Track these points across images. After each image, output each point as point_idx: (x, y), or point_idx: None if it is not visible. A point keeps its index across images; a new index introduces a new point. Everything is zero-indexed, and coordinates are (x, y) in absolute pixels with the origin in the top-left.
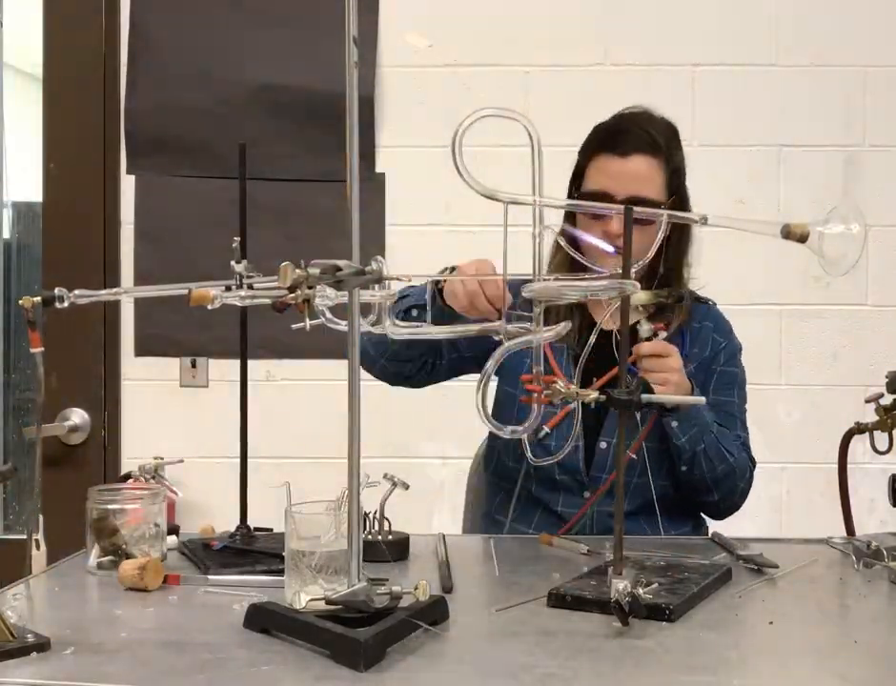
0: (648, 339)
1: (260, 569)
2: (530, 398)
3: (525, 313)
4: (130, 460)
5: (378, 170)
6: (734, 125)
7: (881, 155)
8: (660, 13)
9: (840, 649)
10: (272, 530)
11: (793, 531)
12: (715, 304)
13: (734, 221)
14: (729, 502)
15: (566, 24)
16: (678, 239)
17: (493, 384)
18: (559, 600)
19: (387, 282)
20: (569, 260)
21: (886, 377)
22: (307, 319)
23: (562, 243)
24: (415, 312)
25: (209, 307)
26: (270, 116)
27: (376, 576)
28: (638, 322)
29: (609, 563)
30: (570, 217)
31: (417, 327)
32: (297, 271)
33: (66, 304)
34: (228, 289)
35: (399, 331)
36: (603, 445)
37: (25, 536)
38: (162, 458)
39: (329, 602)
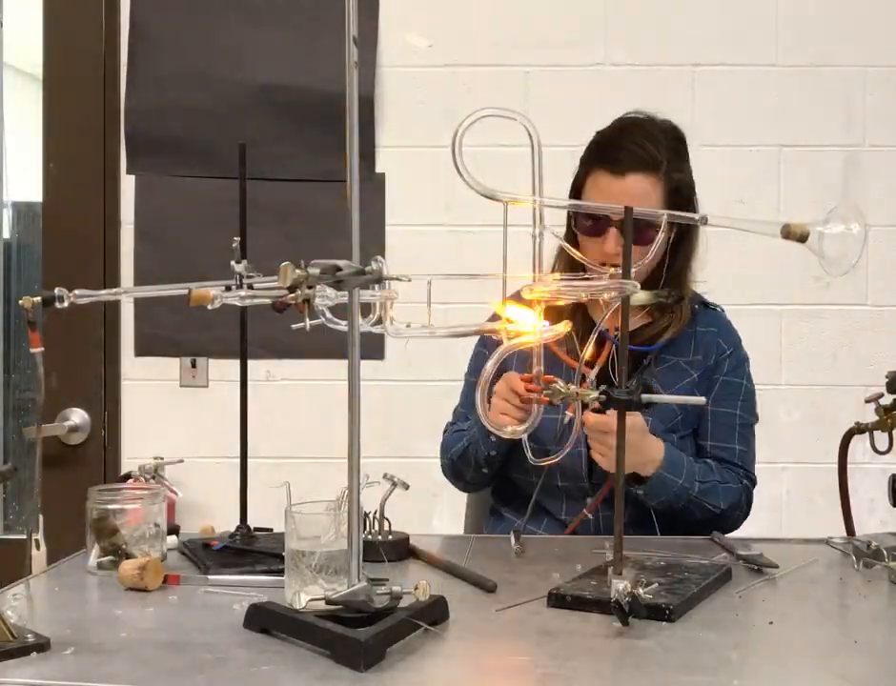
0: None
1: (260, 569)
2: (530, 399)
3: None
4: (130, 460)
5: (378, 170)
6: (734, 125)
7: (881, 155)
8: (660, 13)
9: (840, 649)
10: (272, 530)
11: (793, 531)
12: (723, 310)
13: (734, 221)
14: (725, 527)
15: (566, 24)
16: (682, 245)
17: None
18: (559, 600)
19: (387, 282)
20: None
21: (886, 377)
22: (307, 319)
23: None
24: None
25: (209, 307)
26: (270, 116)
27: (376, 576)
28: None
29: (609, 563)
30: (570, 238)
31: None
32: (297, 271)
33: (66, 304)
34: (228, 289)
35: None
36: None
37: (25, 536)
38: (162, 458)
39: (329, 602)
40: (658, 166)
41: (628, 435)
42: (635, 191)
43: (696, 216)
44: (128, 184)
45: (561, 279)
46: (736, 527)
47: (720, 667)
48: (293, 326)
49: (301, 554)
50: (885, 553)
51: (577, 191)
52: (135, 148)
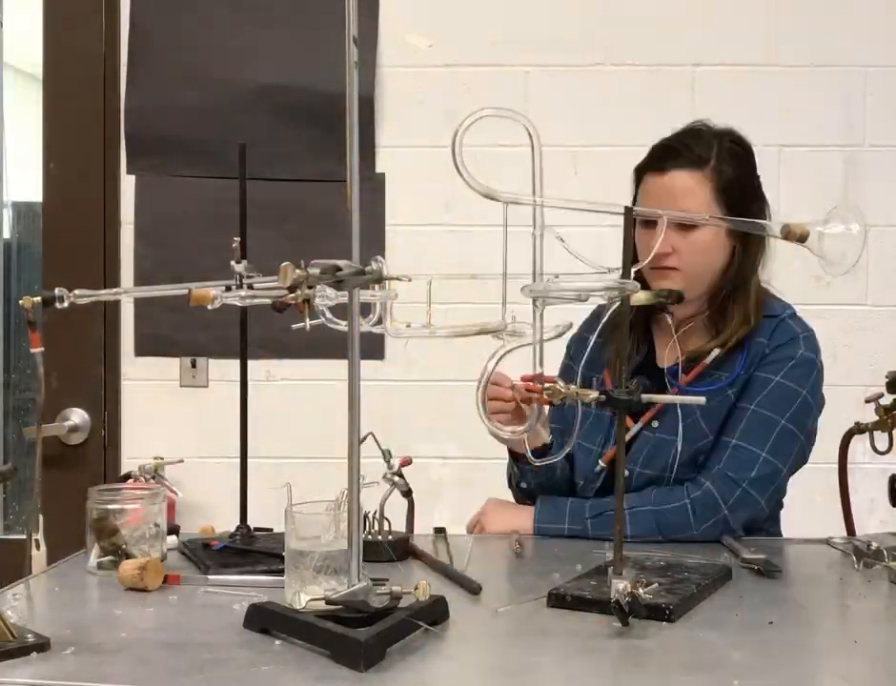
0: None
1: (260, 569)
2: (530, 399)
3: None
4: (130, 460)
5: (378, 170)
6: (734, 125)
7: (881, 155)
8: (660, 13)
9: (840, 649)
10: (272, 530)
11: (793, 531)
12: (786, 316)
13: (734, 221)
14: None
15: (566, 24)
16: (745, 251)
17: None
18: (559, 600)
19: (387, 282)
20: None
21: (886, 377)
22: (307, 319)
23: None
24: (523, 484)
25: (209, 307)
26: (270, 116)
27: (376, 576)
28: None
29: (609, 563)
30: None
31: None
32: (297, 271)
33: (66, 304)
34: (228, 289)
35: (403, 332)
36: (626, 473)
37: (25, 536)
38: (162, 458)
39: (329, 602)
40: (702, 162)
41: (486, 507)
42: (678, 187)
43: (696, 216)
44: (128, 184)
45: (561, 279)
46: (708, 534)
47: (720, 667)
48: (293, 326)
49: (301, 554)
50: (885, 553)
51: (633, 202)
52: (135, 148)
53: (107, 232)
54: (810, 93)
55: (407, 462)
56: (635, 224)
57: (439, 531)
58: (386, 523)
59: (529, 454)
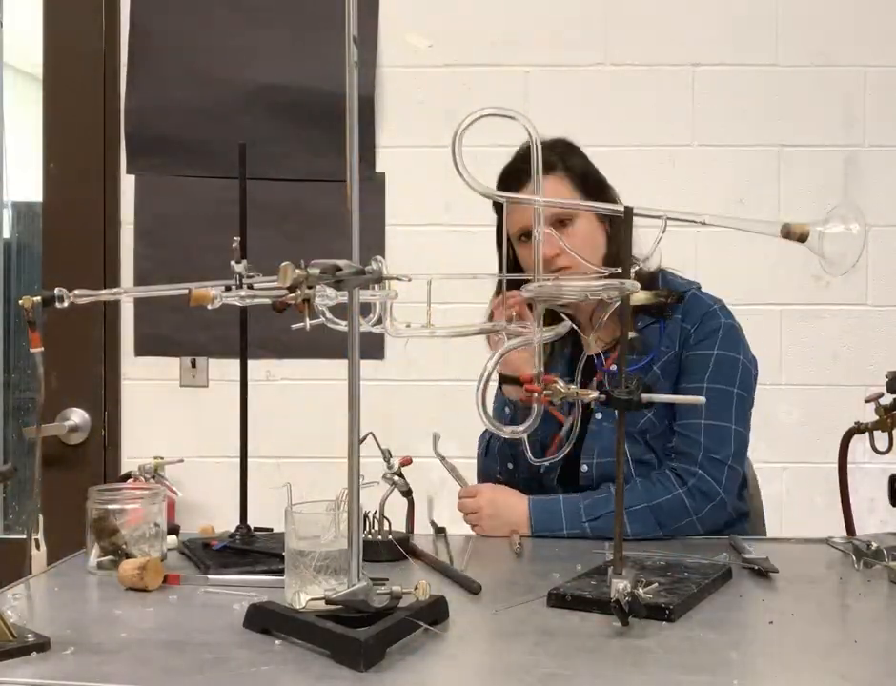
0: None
1: (260, 569)
2: (530, 398)
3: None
4: (130, 460)
5: (378, 170)
6: (734, 125)
7: (881, 155)
8: (660, 13)
9: (840, 649)
10: (272, 530)
11: (793, 531)
12: (691, 290)
13: (734, 221)
14: (688, 530)
15: (566, 24)
16: (614, 230)
17: (492, 384)
18: (559, 600)
19: (387, 282)
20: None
21: (886, 377)
22: (307, 319)
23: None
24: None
25: (209, 307)
26: (270, 116)
27: (376, 576)
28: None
29: (609, 563)
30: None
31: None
32: (297, 271)
33: (66, 304)
34: (228, 289)
35: (403, 332)
36: (585, 467)
37: (25, 536)
38: (162, 458)
39: (329, 602)
40: (551, 167)
41: (483, 511)
42: (546, 191)
43: (696, 217)
44: (128, 184)
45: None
46: (701, 527)
47: (720, 667)
48: (293, 326)
49: (301, 554)
50: (885, 553)
51: (499, 233)
52: (135, 148)
53: (107, 232)
54: (810, 93)
55: (407, 462)
56: (510, 246)
57: (439, 531)
58: (386, 523)
59: (529, 454)
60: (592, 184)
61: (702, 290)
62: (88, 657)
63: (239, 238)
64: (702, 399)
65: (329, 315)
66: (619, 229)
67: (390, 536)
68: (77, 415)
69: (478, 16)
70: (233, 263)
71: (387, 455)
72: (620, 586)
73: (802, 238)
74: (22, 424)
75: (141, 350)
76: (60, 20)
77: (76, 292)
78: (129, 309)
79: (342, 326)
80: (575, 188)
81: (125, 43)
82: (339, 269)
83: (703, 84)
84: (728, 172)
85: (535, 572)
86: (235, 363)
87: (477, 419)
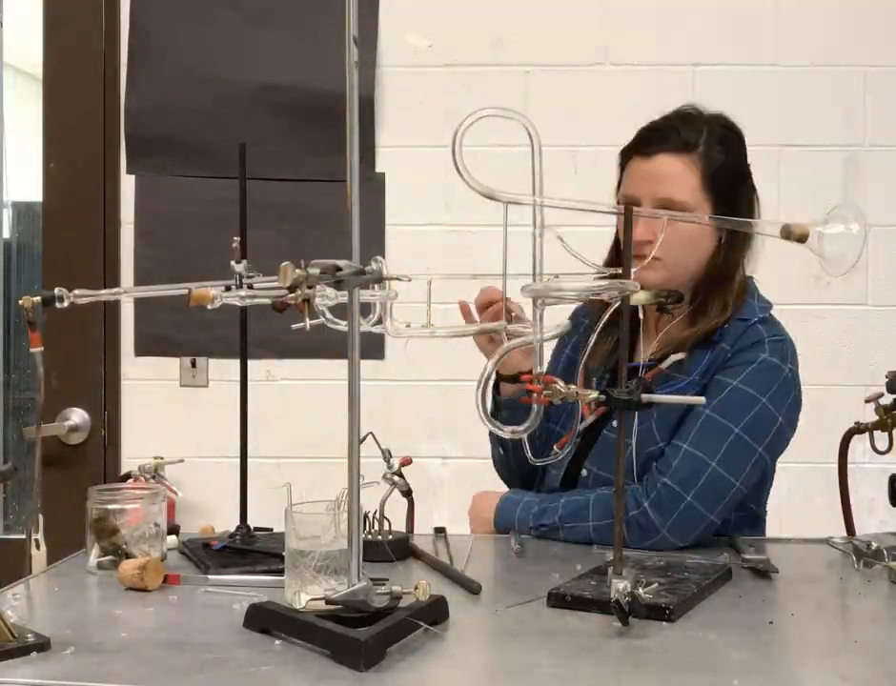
0: None
1: (260, 569)
2: (530, 398)
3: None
4: (130, 460)
5: (378, 170)
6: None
7: (881, 155)
8: (660, 13)
9: (840, 649)
10: (272, 530)
11: (793, 531)
12: (756, 321)
13: (734, 221)
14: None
15: (566, 24)
16: (731, 243)
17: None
18: (559, 600)
19: (387, 282)
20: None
21: (886, 377)
22: (307, 319)
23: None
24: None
25: (209, 307)
26: (270, 116)
27: (376, 576)
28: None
29: (609, 563)
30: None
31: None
32: (297, 271)
33: (66, 304)
34: (228, 289)
35: (403, 332)
36: (585, 472)
37: (25, 536)
38: (162, 458)
39: (329, 602)
40: (690, 147)
41: (470, 512)
42: (664, 173)
43: (695, 216)
44: (128, 184)
45: (561, 279)
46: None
47: (720, 667)
48: (293, 326)
49: (301, 554)
50: (885, 553)
51: (618, 187)
52: (135, 148)
53: (107, 232)
54: (810, 93)
55: (407, 462)
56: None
57: (439, 531)
58: (386, 523)
59: (529, 455)
60: (725, 182)
61: (772, 319)
62: (88, 657)
63: (239, 238)
64: (702, 399)
65: (329, 315)
66: (733, 243)
67: (390, 536)
68: (77, 415)
69: (478, 16)
70: (233, 263)
71: (387, 455)
72: (620, 586)
73: (802, 238)
74: (22, 424)
75: (141, 350)
76: (60, 20)
77: (76, 292)
78: (129, 309)
79: (342, 326)
80: (700, 182)
81: (125, 43)
82: (339, 269)
83: (703, 84)
84: None
85: (535, 572)
86: (235, 363)
87: (477, 419)
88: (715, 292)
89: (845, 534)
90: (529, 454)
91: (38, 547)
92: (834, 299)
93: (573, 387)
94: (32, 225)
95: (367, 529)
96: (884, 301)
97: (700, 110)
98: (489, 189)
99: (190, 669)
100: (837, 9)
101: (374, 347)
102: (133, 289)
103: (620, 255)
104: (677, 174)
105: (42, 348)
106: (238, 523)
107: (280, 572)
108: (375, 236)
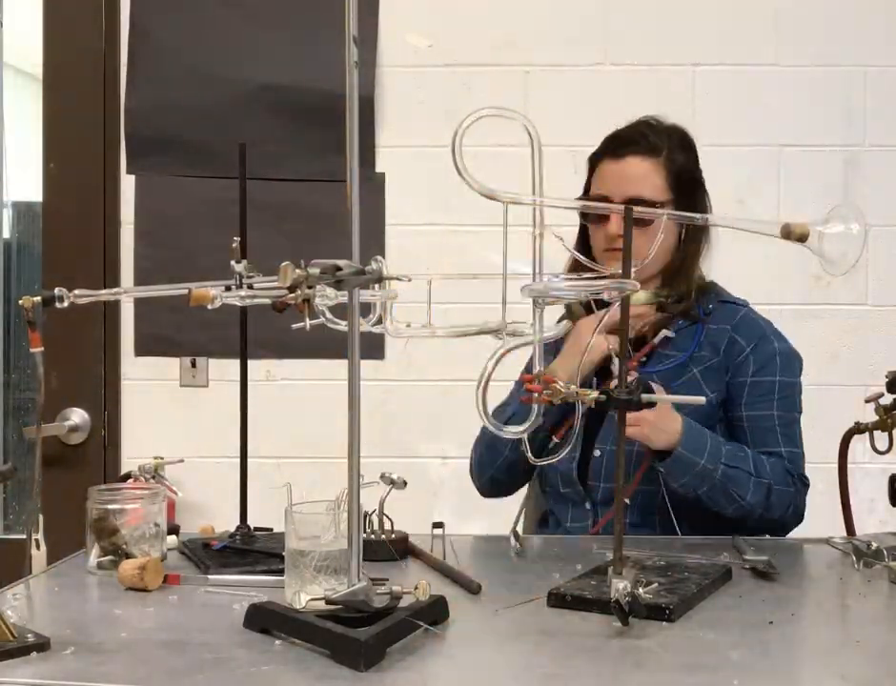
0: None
1: (260, 569)
2: (530, 398)
3: None
4: (130, 460)
5: (378, 170)
6: (734, 125)
7: (881, 155)
8: (660, 13)
9: (840, 649)
10: (272, 530)
11: (793, 531)
12: (746, 305)
13: (734, 221)
14: (770, 529)
15: (566, 24)
16: (689, 239)
17: (492, 384)
18: (559, 600)
19: (387, 282)
20: (577, 264)
21: (886, 377)
22: (307, 319)
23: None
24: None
25: (209, 307)
26: (270, 116)
27: (376, 576)
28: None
29: (609, 563)
30: (581, 235)
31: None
32: (297, 271)
33: (66, 304)
34: (228, 289)
35: (403, 332)
36: (597, 453)
37: (25, 536)
38: (162, 458)
39: (329, 602)
40: (657, 149)
41: (646, 417)
42: (634, 173)
43: (696, 216)
44: (128, 184)
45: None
46: (784, 530)
47: (720, 667)
48: (293, 326)
49: (301, 554)
50: (885, 553)
51: (586, 189)
52: (135, 148)
53: (107, 232)
54: (810, 93)
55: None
56: (587, 220)
57: (438, 525)
58: (386, 522)
59: (529, 454)
60: (685, 183)
61: (753, 309)
62: (88, 657)
63: (239, 238)
64: (701, 399)
65: (329, 315)
66: (690, 240)
67: (392, 536)
68: (77, 415)
69: (478, 16)
70: (233, 263)
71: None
72: (620, 586)
73: (802, 238)
74: (22, 424)
75: (141, 350)
76: (60, 20)
77: (76, 292)
78: (129, 309)
79: (342, 326)
80: (665, 183)
81: (125, 43)
82: (339, 269)
83: (703, 84)
84: (728, 172)
85: (535, 572)
86: (235, 363)
87: (477, 419)
88: (679, 278)
89: (845, 534)
90: (529, 454)
91: (38, 547)
92: (834, 299)
93: (572, 387)
94: (32, 225)
95: (367, 529)
96: (884, 301)
97: (660, 120)
98: (489, 189)
99: (190, 669)
100: (837, 9)
101: (374, 347)
102: (133, 289)
103: (588, 255)
104: (646, 174)
105: (42, 348)
106: (238, 523)
107: (280, 572)
108: (375, 236)
